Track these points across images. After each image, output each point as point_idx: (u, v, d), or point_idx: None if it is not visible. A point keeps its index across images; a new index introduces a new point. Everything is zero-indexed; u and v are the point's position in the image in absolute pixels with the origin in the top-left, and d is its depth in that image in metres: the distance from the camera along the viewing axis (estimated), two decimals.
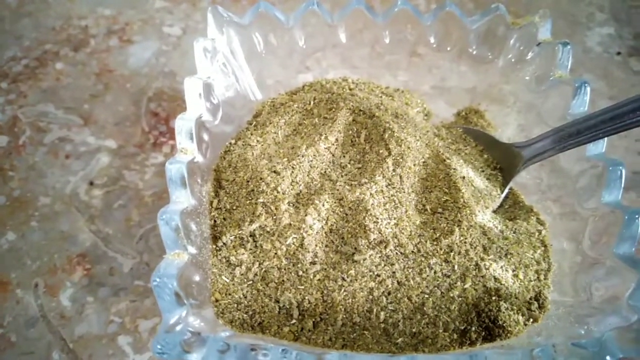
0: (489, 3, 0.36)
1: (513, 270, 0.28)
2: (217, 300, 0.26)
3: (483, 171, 0.33)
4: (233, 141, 0.33)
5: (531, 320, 0.27)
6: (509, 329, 0.26)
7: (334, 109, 0.32)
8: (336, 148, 0.31)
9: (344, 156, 0.31)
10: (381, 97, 0.35)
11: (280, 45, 0.36)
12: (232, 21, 0.33)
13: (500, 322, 0.26)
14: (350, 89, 0.35)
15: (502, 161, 0.33)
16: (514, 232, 0.29)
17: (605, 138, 0.29)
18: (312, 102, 0.33)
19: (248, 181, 0.29)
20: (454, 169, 0.30)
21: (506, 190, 0.32)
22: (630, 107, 0.27)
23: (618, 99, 0.33)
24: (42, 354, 0.32)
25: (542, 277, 0.28)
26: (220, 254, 0.28)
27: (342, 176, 0.30)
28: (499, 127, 0.38)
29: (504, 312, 0.26)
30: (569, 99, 0.32)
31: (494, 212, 0.31)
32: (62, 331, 0.33)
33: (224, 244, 0.28)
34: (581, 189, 0.31)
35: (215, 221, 0.29)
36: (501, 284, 0.27)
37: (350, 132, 0.32)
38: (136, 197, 0.39)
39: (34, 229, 0.37)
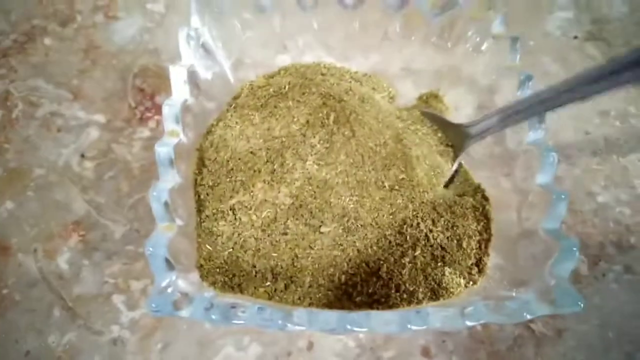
0: None
1: (457, 240, 0.32)
2: (201, 265, 0.30)
3: (437, 148, 0.37)
4: (214, 122, 0.36)
5: (471, 282, 0.31)
6: (452, 290, 0.30)
7: (306, 93, 0.36)
8: (307, 129, 0.34)
9: (314, 136, 0.34)
10: (350, 82, 0.38)
11: (259, 30, 0.39)
12: (214, 10, 0.36)
13: (444, 285, 0.30)
14: (322, 74, 0.38)
15: (454, 139, 0.38)
16: (461, 207, 0.34)
17: (543, 123, 0.33)
18: (287, 87, 0.36)
19: (228, 160, 0.33)
20: (409, 148, 0.34)
21: (455, 165, 0.37)
22: (564, 88, 0.30)
23: None
24: (45, 311, 0.36)
25: (482, 246, 0.33)
26: (204, 225, 0.32)
27: (311, 155, 0.33)
28: (460, 107, 0.42)
29: (447, 276, 0.31)
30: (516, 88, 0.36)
31: (446, 185, 0.35)
32: (62, 291, 0.37)
33: (207, 216, 0.32)
34: (522, 168, 0.35)
35: (199, 196, 0.33)
36: (446, 252, 0.31)
37: (321, 114, 0.35)
38: (125, 169, 0.42)
39: (30, 198, 0.40)
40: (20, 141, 0.43)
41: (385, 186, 0.33)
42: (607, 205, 0.42)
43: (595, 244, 0.41)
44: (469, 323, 0.26)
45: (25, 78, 0.46)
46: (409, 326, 0.25)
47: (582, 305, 0.26)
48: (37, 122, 0.44)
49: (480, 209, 0.34)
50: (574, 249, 0.28)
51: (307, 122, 0.34)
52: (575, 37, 0.53)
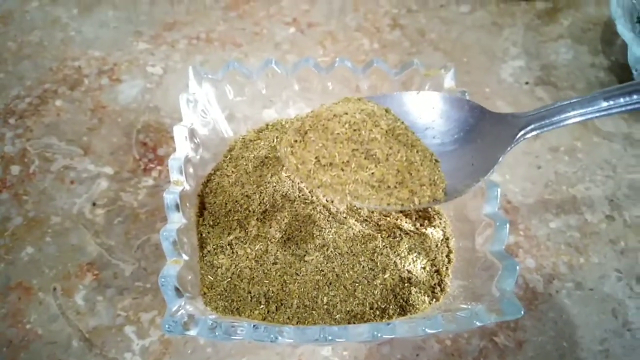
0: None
1: (422, 264, 0.38)
2: (205, 293, 0.35)
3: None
4: (212, 172, 0.42)
5: (434, 300, 0.36)
6: (417, 306, 0.35)
7: None
8: (295, 176, 0.40)
9: (302, 182, 0.40)
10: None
11: (247, 93, 0.45)
12: (208, 77, 0.42)
13: (411, 302, 0.35)
14: None
15: (489, 135, 0.36)
16: (424, 238, 0.39)
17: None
18: (275, 140, 0.42)
19: (226, 203, 0.39)
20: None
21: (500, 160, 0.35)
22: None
23: None
24: (64, 343, 0.40)
25: (443, 269, 0.38)
26: (205, 259, 0.37)
27: (298, 197, 0.39)
28: None
29: (414, 295, 0.36)
30: None
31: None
32: (79, 324, 0.41)
33: (208, 251, 0.37)
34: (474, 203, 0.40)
35: (201, 234, 0.38)
36: (412, 274, 0.37)
37: None
38: (132, 215, 0.47)
39: (49, 243, 0.45)
40: (38, 193, 0.48)
41: (360, 220, 0.39)
42: (558, 230, 0.48)
43: (549, 265, 0.46)
44: (428, 331, 0.31)
45: (40, 137, 0.52)
46: (379, 335, 0.30)
47: (522, 312, 0.31)
48: (52, 176, 0.49)
49: (443, 239, 0.40)
50: (515, 267, 0.33)
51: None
52: (527, 83, 0.60)
